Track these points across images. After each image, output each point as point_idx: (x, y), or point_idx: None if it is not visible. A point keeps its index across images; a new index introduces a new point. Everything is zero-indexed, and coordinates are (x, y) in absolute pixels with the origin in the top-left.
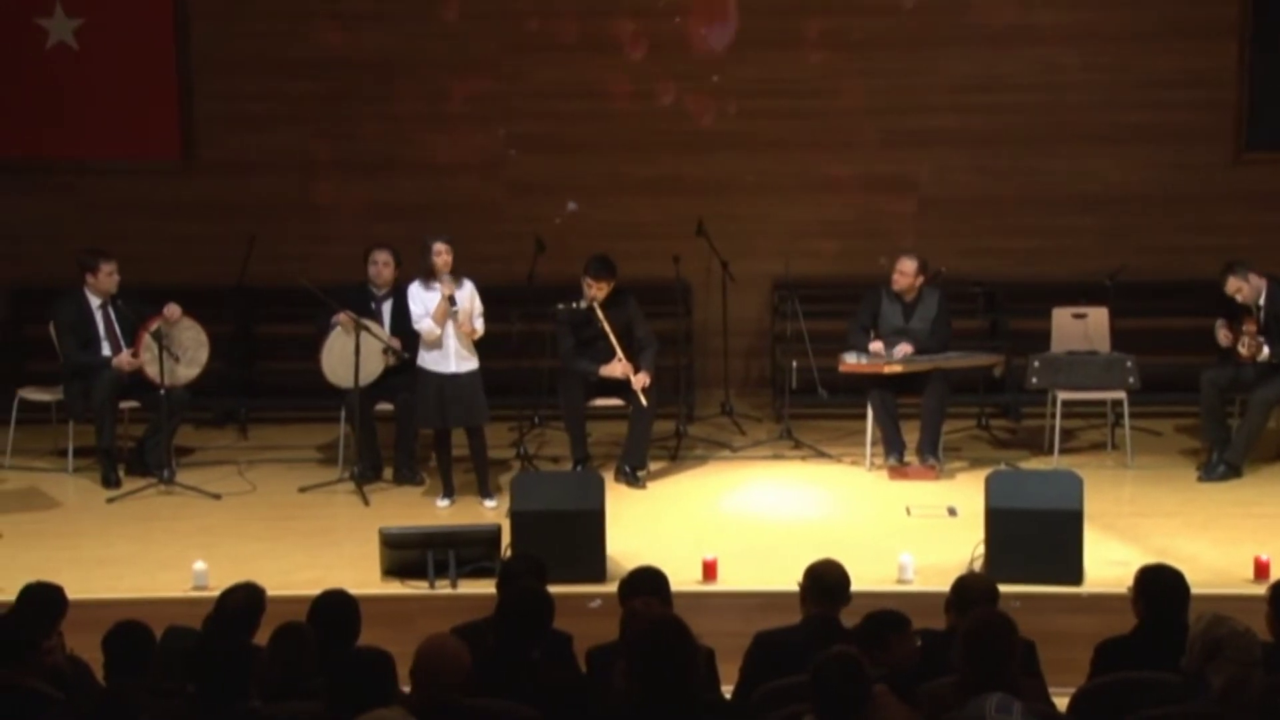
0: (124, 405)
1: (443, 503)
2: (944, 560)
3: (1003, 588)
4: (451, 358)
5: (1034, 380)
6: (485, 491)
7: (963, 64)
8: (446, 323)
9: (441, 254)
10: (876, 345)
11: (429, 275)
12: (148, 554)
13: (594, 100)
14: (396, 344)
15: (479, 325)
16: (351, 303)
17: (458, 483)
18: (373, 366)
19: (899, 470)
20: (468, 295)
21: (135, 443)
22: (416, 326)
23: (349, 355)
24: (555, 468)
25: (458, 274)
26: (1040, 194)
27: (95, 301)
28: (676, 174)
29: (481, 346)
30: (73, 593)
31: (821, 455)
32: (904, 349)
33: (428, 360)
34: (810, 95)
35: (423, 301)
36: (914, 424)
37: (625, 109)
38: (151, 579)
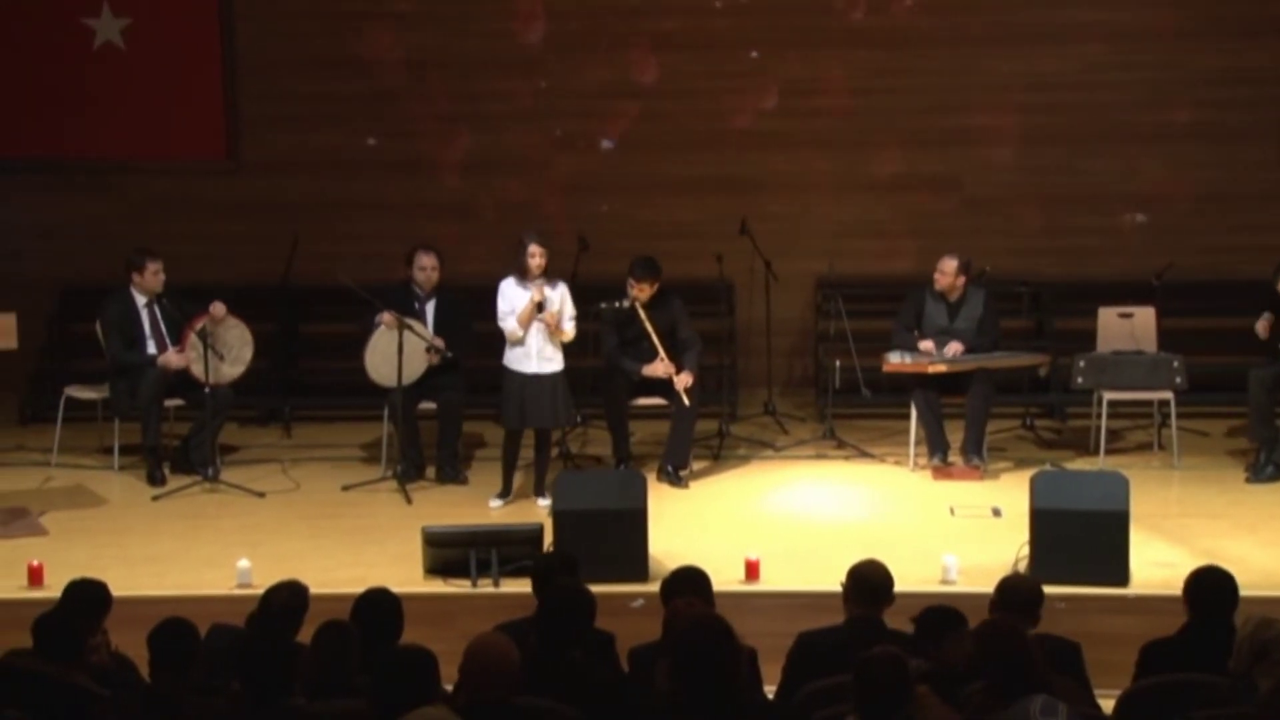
0: (169, 403)
1: (496, 503)
2: (988, 561)
3: (1047, 589)
4: (533, 358)
5: (1079, 380)
6: (540, 490)
7: (1007, 62)
8: (532, 325)
9: (535, 256)
10: (927, 344)
11: (524, 273)
12: (192, 551)
13: (636, 99)
14: (440, 343)
15: (569, 328)
16: (394, 302)
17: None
18: (416, 365)
19: (943, 470)
20: (559, 297)
21: (180, 441)
22: (500, 324)
23: (392, 354)
24: (598, 466)
25: (551, 274)
26: (1086, 193)
27: (141, 300)
28: (719, 173)
29: None
30: (118, 590)
31: (865, 455)
32: (955, 348)
33: (511, 359)
34: (853, 93)
35: (510, 300)
36: (958, 424)
37: (668, 108)
38: (196, 576)
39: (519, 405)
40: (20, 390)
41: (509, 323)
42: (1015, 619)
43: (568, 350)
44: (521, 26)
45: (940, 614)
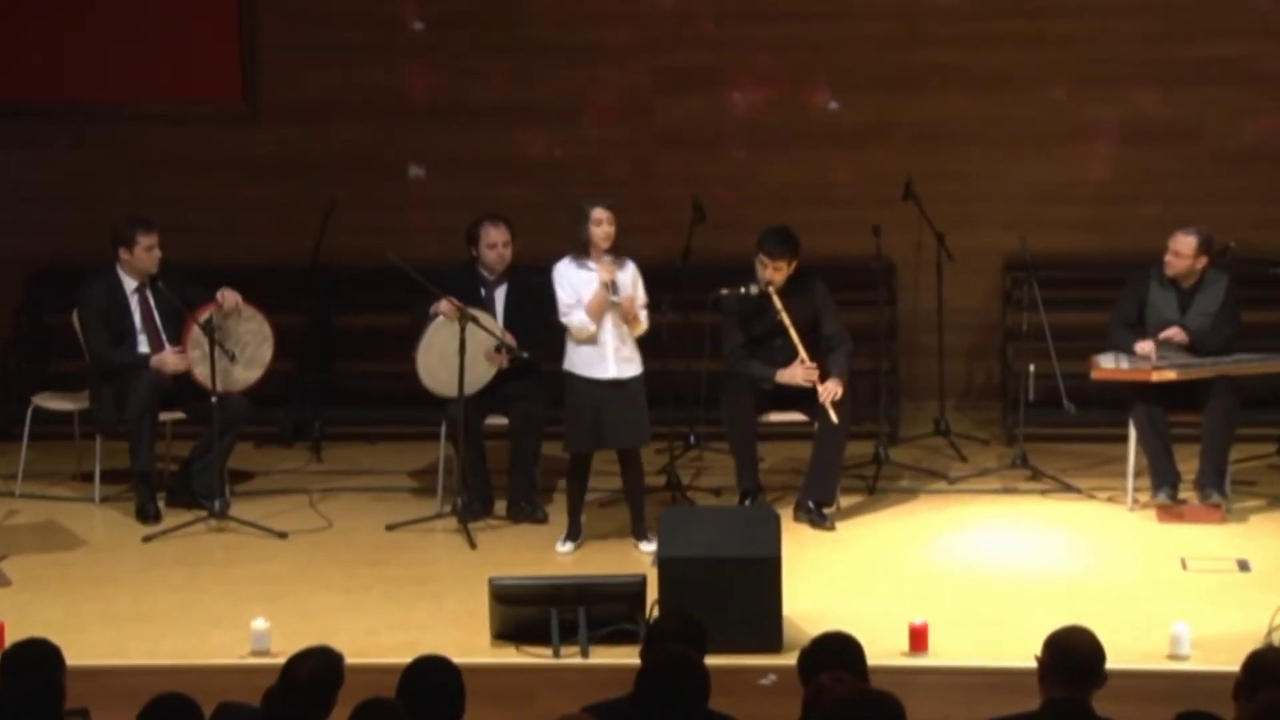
0: (166, 417)
1: (565, 547)
2: (1232, 630)
3: None
4: (610, 360)
5: None
6: (641, 531)
7: None
8: (605, 316)
9: (602, 223)
10: (1145, 346)
11: (582, 251)
12: (195, 608)
13: (769, 24)
14: (512, 341)
15: (643, 317)
16: (456, 287)
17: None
18: (482, 369)
19: (1171, 510)
20: (630, 280)
21: (180, 465)
22: (564, 319)
23: (452, 354)
24: (717, 502)
25: (618, 250)
26: None
27: (131, 284)
28: (879, 119)
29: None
30: (101, 656)
31: (1068, 489)
32: (1175, 334)
33: (578, 363)
34: (1061, 15)
35: (573, 287)
36: (1192, 449)
37: (811, 34)
38: (200, 640)
39: (594, 422)
40: None
41: (576, 317)
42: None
43: (669, 350)
44: None
45: None
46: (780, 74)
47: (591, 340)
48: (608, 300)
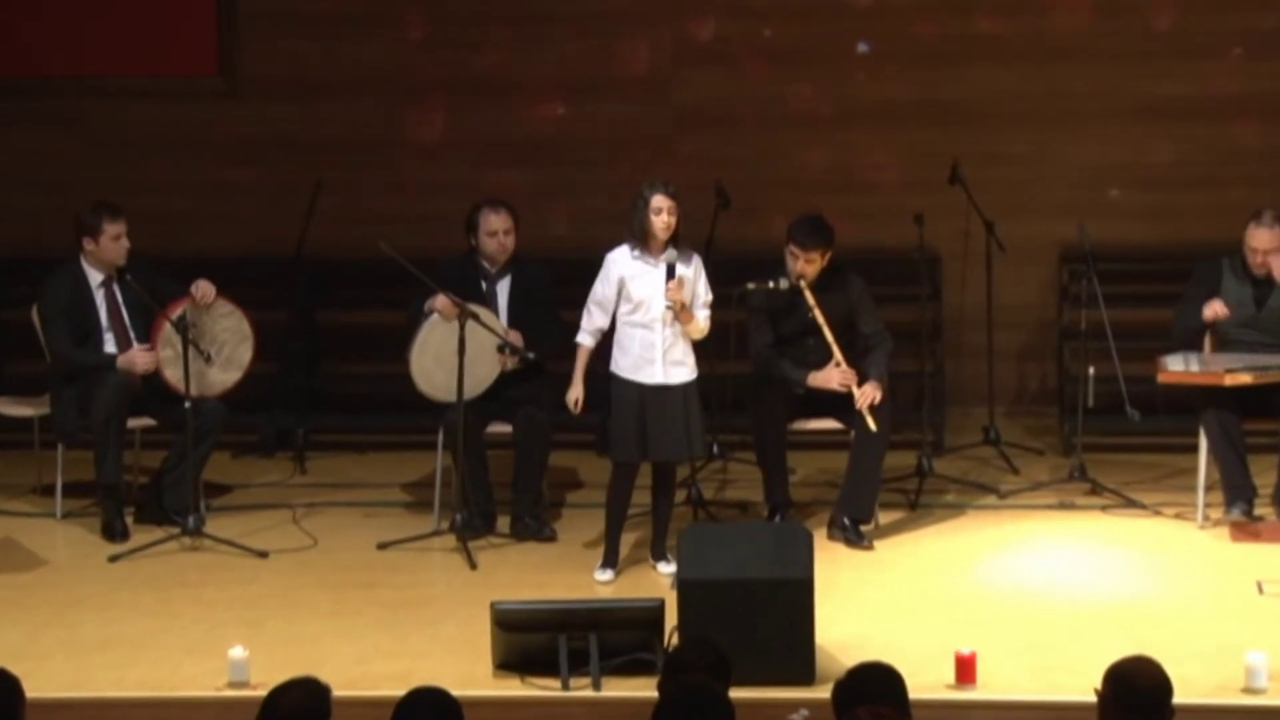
0: (134, 424)
1: (604, 575)
2: None
3: None
4: (659, 361)
5: None
6: (660, 551)
7: None
8: (659, 314)
9: (662, 212)
10: (1215, 307)
11: (641, 241)
12: (166, 634)
13: None
14: (517, 339)
15: (703, 319)
16: (454, 280)
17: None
18: (484, 371)
19: (1246, 528)
20: (692, 275)
21: (150, 478)
22: (585, 318)
23: (449, 356)
24: (743, 518)
25: (680, 242)
26: None
27: (96, 277)
28: (922, 96)
29: None
30: (64, 688)
31: (1131, 505)
32: (1216, 310)
33: (623, 365)
34: None
35: (614, 282)
36: (1268, 460)
37: (846, 2)
38: (172, 670)
39: (637, 430)
40: None
41: (588, 341)
42: None
43: (700, 349)
44: None
45: None
46: (812, 46)
47: (643, 338)
48: (671, 304)
